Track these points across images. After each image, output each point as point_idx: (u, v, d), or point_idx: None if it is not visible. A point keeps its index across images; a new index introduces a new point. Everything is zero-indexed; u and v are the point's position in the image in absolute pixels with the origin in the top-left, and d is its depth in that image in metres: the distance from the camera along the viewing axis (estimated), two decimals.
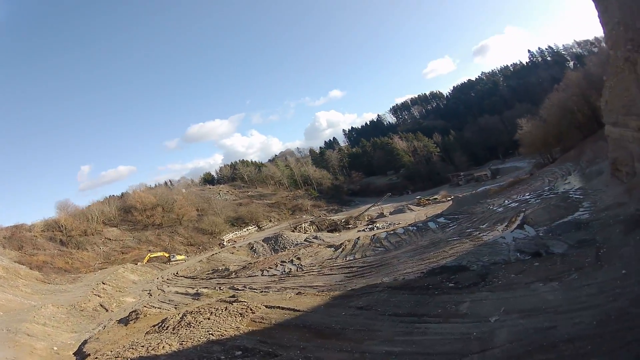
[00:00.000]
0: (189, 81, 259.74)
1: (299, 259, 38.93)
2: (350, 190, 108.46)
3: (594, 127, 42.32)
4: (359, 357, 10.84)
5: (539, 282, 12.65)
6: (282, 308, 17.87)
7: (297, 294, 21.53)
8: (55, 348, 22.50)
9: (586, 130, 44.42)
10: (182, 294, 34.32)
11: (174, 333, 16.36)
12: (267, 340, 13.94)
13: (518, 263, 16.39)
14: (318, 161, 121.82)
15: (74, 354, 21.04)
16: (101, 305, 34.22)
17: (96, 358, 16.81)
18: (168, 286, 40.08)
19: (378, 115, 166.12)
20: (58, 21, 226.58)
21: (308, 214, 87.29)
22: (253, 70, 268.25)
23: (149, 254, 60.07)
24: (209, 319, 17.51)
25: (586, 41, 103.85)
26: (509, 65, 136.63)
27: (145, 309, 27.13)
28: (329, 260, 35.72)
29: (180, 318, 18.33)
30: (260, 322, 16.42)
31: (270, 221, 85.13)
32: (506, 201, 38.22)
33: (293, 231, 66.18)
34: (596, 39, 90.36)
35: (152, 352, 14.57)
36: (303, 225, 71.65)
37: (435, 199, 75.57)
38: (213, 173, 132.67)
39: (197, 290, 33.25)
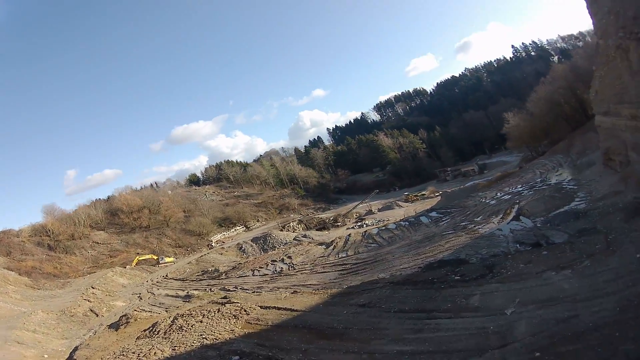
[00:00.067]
0: (172, 83, 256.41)
1: (289, 257, 38.18)
2: (336, 188, 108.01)
3: (582, 119, 42.69)
4: (367, 358, 10.10)
5: (550, 270, 12.15)
6: (278, 308, 17.03)
7: (292, 293, 20.70)
8: (45, 356, 22.34)
9: (574, 122, 44.78)
10: (172, 296, 33.66)
11: (165, 338, 15.37)
12: (265, 343, 13.08)
13: (525, 253, 15.92)
14: (303, 160, 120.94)
15: None
16: (91, 310, 33.84)
17: None
18: (158, 289, 39.31)
19: (362, 113, 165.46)
20: (37, 26, 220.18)
21: (296, 212, 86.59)
22: (235, 70, 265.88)
23: (137, 257, 59.23)
24: (201, 321, 16.53)
25: (570, 35, 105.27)
26: (493, 61, 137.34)
27: (135, 312, 26.65)
28: (321, 258, 35.05)
29: (172, 322, 17.31)
30: (256, 324, 15.54)
31: (258, 221, 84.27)
32: (498, 194, 38.14)
33: (281, 230, 65.50)
34: (580, 33, 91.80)
35: (144, 358, 13.62)
36: (291, 224, 71.02)
37: (424, 194, 75.48)
38: (198, 174, 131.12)
39: (187, 293, 32.54)
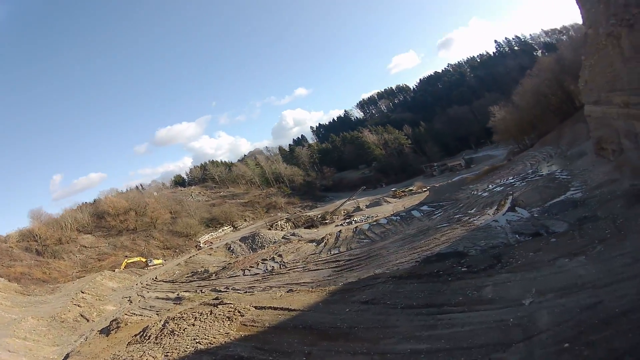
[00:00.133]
0: (154, 84, 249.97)
1: (280, 255, 37.39)
2: (323, 186, 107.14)
3: (569, 110, 42.82)
4: (378, 359, 9.36)
5: (563, 258, 11.66)
6: (275, 308, 16.23)
7: (288, 292, 19.89)
8: None
9: (561, 114, 44.85)
10: (162, 299, 32.88)
11: (157, 343, 14.45)
12: (263, 346, 12.27)
13: (532, 242, 15.40)
14: (288, 158, 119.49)
15: None
16: (82, 315, 33.15)
17: None
18: (148, 292, 38.42)
19: (345, 111, 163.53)
20: (23, 31, 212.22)
21: (283, 211, 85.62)
22: (218, 71, 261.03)
23: (125, 260, 57.92)
24: (193, 325, 15.59)
25: (554, 30, 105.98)
26: (476, 56, 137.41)
27: (126, 317, 26.31)
28: (312, 256, 34.36)
29: (163, 325, 16.38)
30: (252, 326, 14.70)
31: (245, 220, 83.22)
32: (490, 185, 37.96)
33: (269, 229, 64.57)
34: (564, 27, 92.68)
35: None
36: (279, 222, 70.09)
37: (411, 190, 75.39)
38: (183, 175, 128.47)
39: (178, 295, 31.84)
